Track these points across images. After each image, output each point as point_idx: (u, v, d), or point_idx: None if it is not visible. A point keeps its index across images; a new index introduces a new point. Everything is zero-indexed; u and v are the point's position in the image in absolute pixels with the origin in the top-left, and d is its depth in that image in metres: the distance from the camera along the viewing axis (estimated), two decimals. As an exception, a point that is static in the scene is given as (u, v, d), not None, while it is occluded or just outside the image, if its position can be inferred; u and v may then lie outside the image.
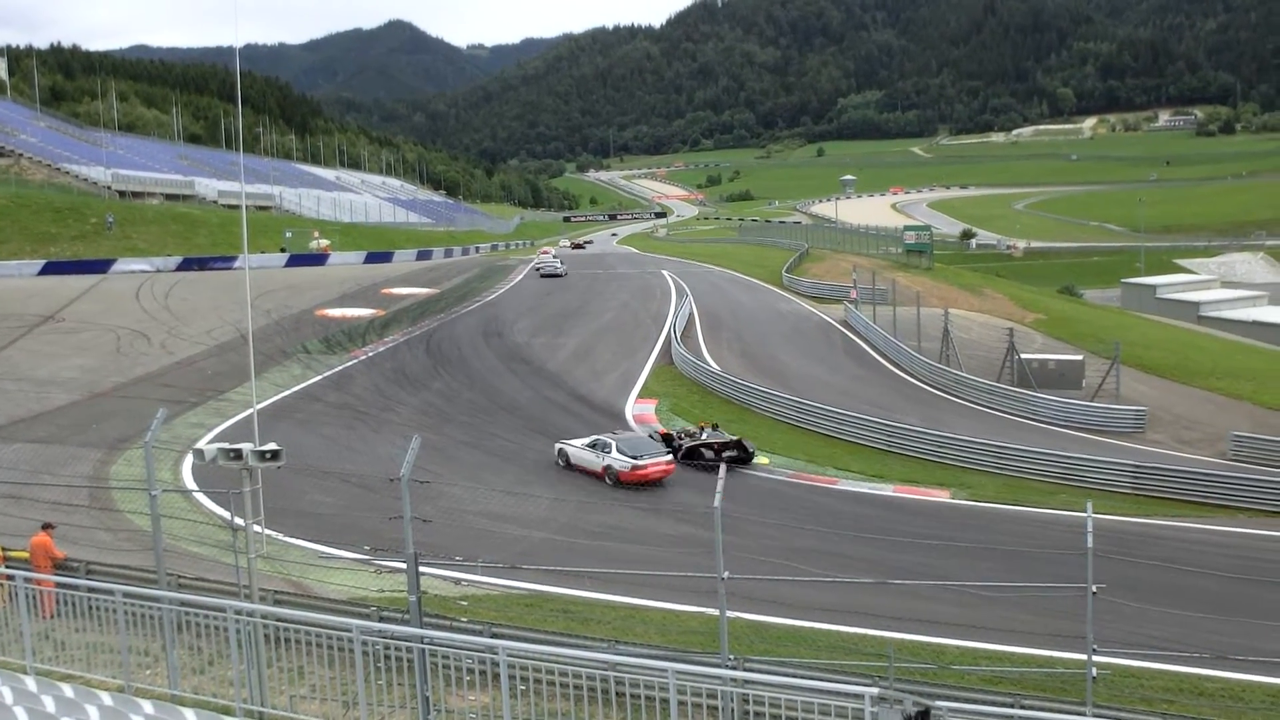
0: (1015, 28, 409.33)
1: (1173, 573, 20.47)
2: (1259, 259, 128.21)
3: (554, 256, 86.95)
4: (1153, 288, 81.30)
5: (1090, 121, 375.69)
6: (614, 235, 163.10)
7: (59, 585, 13.92)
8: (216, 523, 21.77)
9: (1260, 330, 63.55)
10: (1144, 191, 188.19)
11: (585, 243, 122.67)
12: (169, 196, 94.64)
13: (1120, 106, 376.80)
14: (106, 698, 11.77)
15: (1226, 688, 15.81)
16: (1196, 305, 73.40)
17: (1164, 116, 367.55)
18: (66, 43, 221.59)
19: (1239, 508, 27.43)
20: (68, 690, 11.78)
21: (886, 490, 28.66)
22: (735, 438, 30.37)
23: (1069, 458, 30.60)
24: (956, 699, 12.50)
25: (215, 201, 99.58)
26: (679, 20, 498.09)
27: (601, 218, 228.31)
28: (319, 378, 39.27)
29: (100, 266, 66.15)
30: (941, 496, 28.18)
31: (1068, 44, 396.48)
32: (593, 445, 28.00)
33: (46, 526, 16.90)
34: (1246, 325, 65.65)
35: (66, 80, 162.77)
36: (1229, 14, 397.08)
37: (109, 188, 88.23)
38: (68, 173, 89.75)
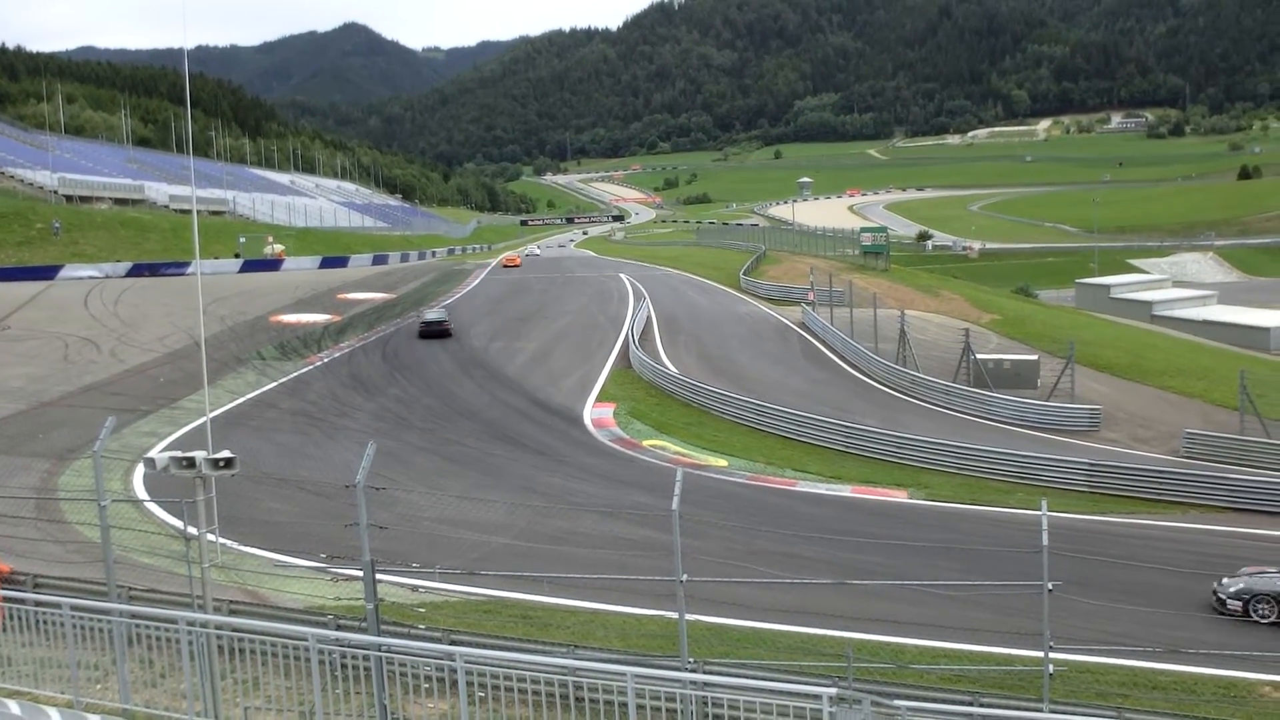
0: (970, 31, 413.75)
1: (1127, 569, 20.68)
2: (1209, 259, 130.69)
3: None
4: (1107, 287, 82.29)
5: (1044, 123, 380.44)
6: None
7: (4, 600, 13.60)
8: (169, 533, 21.39)
9: (1210, 329, 64.48)
10: (1097, 192, 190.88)
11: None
12: (118, 201, 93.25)
13: (1074, 109, 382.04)
14: (55, 714, 11.53)
15: (1179, 681, 16.01)
16: (1149, 305, 74.33)
17: (1116, 119, 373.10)
18: (10, 43, 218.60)
19: (1192, 504, 27.79)
20: (14, 707, 11.52)
21: (845, 491, 28.75)
22: None
23: (1025, 457, 30.84)
24: (915, 698, 12.55)
25: (166, 206, 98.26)
26: (636, 23, 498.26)
27: (559, 221, 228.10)
28: (274, 384, 38.84)
29: (47, 273, 65.10)
30: (899, 497, 28.33)
31: (1022, 47, 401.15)
32: None
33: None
34: (1197, 324, 66.60)
35: (10, 82, 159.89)
36: (1178, 18, 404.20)
37: (55, 192, 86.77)
38: (12, 177, 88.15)
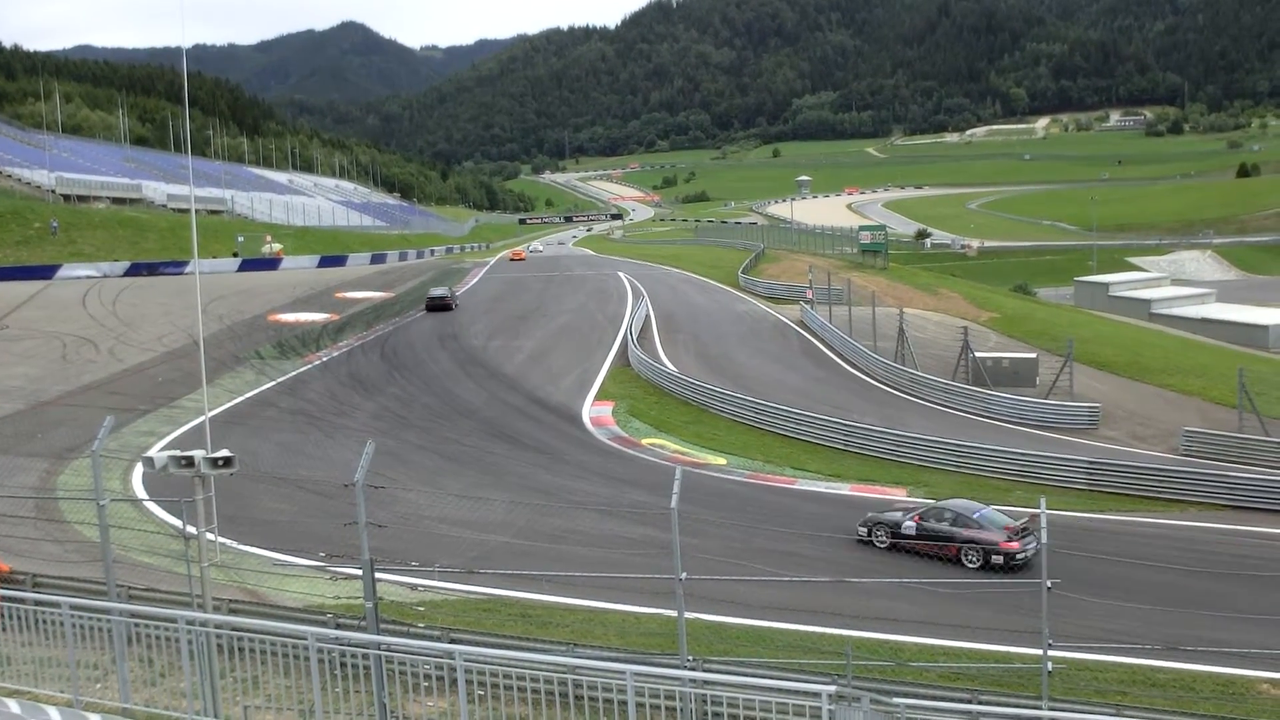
0: (969, 29, 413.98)
1: (1126, 566, 20.68)
2: (1207, 257, 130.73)
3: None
4: (1105, 285, 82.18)
5: (1043, 121, 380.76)
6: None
7: (4, 599, 13.60)
8: (168, 532, 21.38)
9: (1209, 327, 64.44)
10: (1096, 190, 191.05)
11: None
12: (116, 200, 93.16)
13: (1072, 106, 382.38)
14: (55, 713, 11.55)
15: (1178, 678, 16.01)
16: (1148, 303, 74.23)
17: (1115, 116, 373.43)
18: (7, 42, 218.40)
19: (1190, 502, 27.77)
20: (14, 706, 11.54)
21: (844, 489, 28.73)
22: None
23: (1024, 455, 30.80)
24: (915, 695, 12.56)
25: (164, 205, 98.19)
26: (634, 21, 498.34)
27: (558, 219, 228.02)
28: (272, 383, 38.84)
29: (45, 272, 65.04)
30: (898, 495, 28.29)
31: (1020, 45, 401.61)
32: None
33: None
34: (1196, 322, 66.56)
35: (8, 81, 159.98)
36: (1176, 16, 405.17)
37: (53, 191, 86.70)
38: (10, 176, 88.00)
